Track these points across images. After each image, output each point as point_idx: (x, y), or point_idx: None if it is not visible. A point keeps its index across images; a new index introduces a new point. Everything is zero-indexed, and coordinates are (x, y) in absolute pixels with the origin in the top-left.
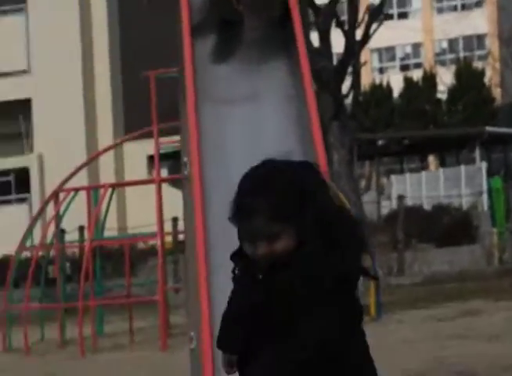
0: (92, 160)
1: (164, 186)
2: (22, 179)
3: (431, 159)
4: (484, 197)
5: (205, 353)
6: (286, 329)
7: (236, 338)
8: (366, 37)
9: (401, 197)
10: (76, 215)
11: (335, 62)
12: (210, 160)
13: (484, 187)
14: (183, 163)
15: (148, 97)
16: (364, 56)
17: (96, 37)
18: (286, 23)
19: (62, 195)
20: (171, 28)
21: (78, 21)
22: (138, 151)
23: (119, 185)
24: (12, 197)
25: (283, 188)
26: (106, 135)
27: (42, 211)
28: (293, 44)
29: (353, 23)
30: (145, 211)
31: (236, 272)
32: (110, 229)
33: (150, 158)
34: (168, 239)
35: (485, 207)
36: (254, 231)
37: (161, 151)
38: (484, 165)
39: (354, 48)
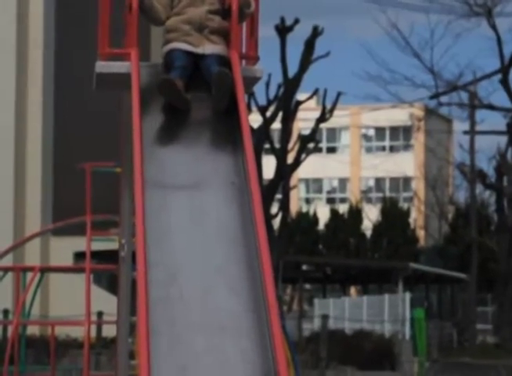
0: (19, 245)
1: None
2: None
3: (353, 289)
4: (407, 325)
5: None
6: None
7: None
8: (297, 161)
9: (324, 317)
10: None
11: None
12: (153, 243)
13: (408, 317)
14: (120, 245)
15: (78, 189)
16: (292, 183)
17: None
18: (232, 113)
19: None
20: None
21: (13, 110)
22: (65, 248)
23: (49, 269)
24: None
25: None
26: (34, 219)
27: None
28: (238, 133)
29: (285, 147)
30: (68, 302)
31: None
32: (32, 316)
33: (76, 256)
34: (92, 334)
35: (407, 336)
36: None
37: (92, 241)
38: (408, 296)
39: (284, 170)
